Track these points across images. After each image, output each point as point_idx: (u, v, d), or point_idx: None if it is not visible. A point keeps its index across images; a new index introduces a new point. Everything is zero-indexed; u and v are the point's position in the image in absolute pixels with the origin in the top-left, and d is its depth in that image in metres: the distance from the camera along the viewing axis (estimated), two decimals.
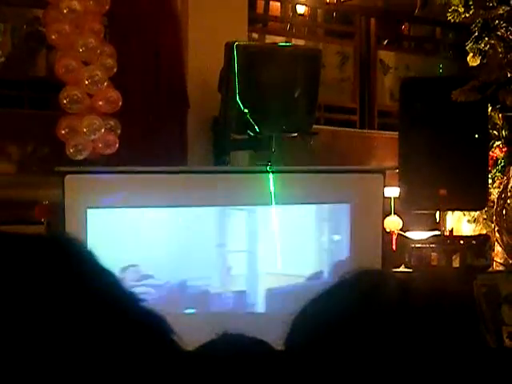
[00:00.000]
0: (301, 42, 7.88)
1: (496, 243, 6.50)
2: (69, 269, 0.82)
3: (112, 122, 5.65)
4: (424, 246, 6.15)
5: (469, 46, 6.55)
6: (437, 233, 6.51)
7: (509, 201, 6.42)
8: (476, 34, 6.50)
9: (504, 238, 6.45)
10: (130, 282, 5.11)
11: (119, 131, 5.68)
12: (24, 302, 0.77)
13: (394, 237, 6.66)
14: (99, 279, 0.83)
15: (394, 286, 1.10)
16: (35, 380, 0.74)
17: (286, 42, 7.32)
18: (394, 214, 6.74)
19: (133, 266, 5.20)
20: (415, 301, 1.06)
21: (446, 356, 1.02)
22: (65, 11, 5.49)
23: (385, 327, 1.02)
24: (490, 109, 6.38)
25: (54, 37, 5.54)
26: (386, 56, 8.43)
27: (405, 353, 1.01)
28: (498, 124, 6.62)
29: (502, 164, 6.66)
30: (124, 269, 5.14)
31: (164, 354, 0.83)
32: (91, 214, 5.13)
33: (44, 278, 0.79)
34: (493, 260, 6.30)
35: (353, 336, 1.03)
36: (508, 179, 6.49)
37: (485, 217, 6.78)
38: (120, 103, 5.62)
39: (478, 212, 6.77)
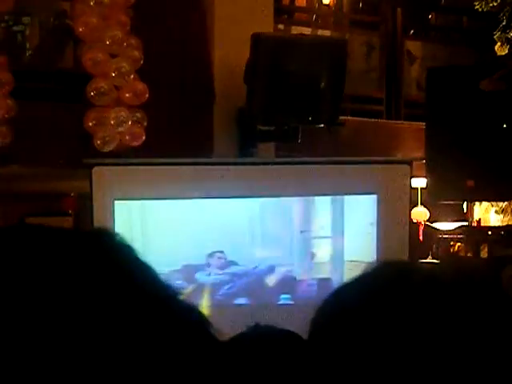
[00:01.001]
0: (327, 33, 7.86)
1: None
2: (109, 263, 0.83)
3: (139, 114, 5.67)
4: (451, 236, 6.13)
5: (497, 35, 6.51)
6: (464, 223, 6.48)
7: None
8: (504, 22, 6.45)
9: None
10: (215, 268, 5.25)
11: (146, 123, 5.70)
12: (66, 296, 0.78)
13: (421, 228, 6.64)
14: (139, 273, 0.84)
15: (420, 276, 1.10)
16: (75, 370, 0.76)
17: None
18: (421, 204, 6.71)
19: (219, 252, 5.29)
20: (441, 292, 1.07)
21: (475, 345, 1.02)
22: (92, 4, 5.52)
23: (410, 316, 1.03)
24: None
25: (81, 29, 5.57)
26: (413, 46, 8.38)
27: (430, 341, 1.01)
28: None
29: None
30: (210, 255, 5.24)
31: (200, 347, 0.83)
32: (125, 205, 5.21)
33: (85, 272, 0.80)
34: None
35: (375, 324, 1.03)
36: None
37: None
38: (147, 95, 5.64)
39: (506, 202, 6.72)
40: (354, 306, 1.05)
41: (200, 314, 0.86)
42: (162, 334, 0.80)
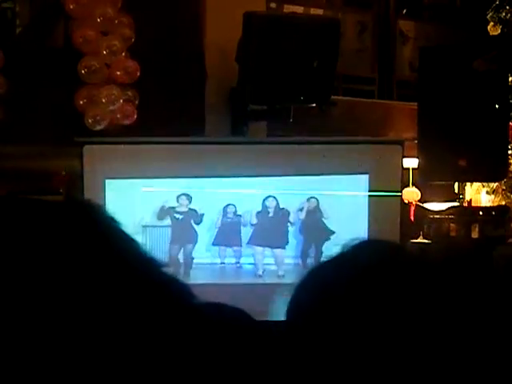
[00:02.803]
0: (319, 12, 7.82)
1: None
2: (92, 235, 0.82)
3: (130, 93, 5.65)
4: (442, 217, 6.14)
5: (489, 15, 6.49)
6: (455, 204, 6.49)
7: None
8: (497, 2, 6.43)
9: None
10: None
11: (137, 101, 5.68)
12: (50, 265, 0.78)
13: (413, 208, 6.64)
14: (122, 245, 0.84)
15: (398, 255, 1.10)
16: (53, 340, 0.76)
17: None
18: (413, 185, 6.72)
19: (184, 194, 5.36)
20: (421, 271, 1.06)
21: (459, 325, 1.02)
22: None
23: (385, 299, 1.02)
24: (510, 78, 6.32)
25: (71, 6, 5.53)
26: (406, 25, 8.36)
27: (415, 321, 1.00)
28: None
29: None
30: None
31: (180, 318, 0.83)
32: (116, 184, 5.21)
33: (69, 243, 0.80)
34: None
35: (349, 307, 1.02)
36: None
37: (504, 188, 6.74)
38: (138, 73, 5.62)
39: (497, 183, 6.73)
40: (335, 289, 1.04)
41: (181, 286, 0.86)
42: (141, 307, 0.79)
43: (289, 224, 5.58)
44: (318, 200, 5.58)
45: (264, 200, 5.51)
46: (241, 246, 5.53)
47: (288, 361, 1.04)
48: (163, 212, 5.38)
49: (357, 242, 1.12)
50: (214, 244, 5.49)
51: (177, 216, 5.42)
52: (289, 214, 5.56)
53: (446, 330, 1.01)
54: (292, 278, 5.47)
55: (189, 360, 0.82)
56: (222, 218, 5.47)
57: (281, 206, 5.54)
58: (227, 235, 5.51)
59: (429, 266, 1.06)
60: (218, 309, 1.22)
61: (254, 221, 5.51)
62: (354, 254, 1.09)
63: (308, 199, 5.56)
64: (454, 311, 1.02)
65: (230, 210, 5.47)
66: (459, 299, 1.03)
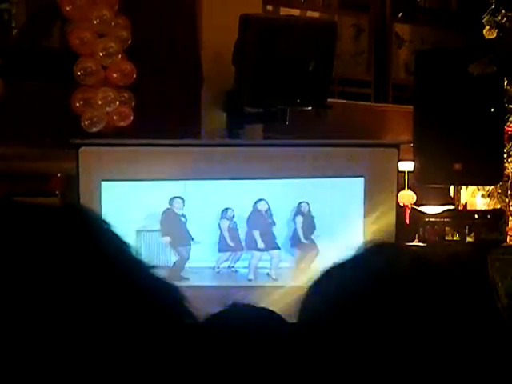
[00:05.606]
0: (315, 15, 7.83)
1: (510, 217, 6.48)
2: (83, 238, 0.82)
3: (126, 95, 5.65)
4: (438, 220, 6.15)
5: (485, 18, 6.49)
6: (451, 207, 6.50)
7: None
8: (493, 6, 6.44)
9: None
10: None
11: (133, 104, 5.68)
12: (40, 269, 0.78)
13: (408, 211, 6.65)
14: (112, 249, 0.84)
15: (408, 259, 1.10)
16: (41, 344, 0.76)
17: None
18: (408, 188, 6.73)
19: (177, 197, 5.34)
20: (429, 274, 1.06)
21: (460, 329, 1.02)
22: None
23: (398, 302, 1.02)
24: (506, 82, 6.33)
25: (68, 8, 5.53)
26: (401, 29, 8.37)
27: (418, 326, 1.01)
28: None
29: None
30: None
31: (168, 324, 0.83)
32: (112, 186, 5.20)
33: (59, 246, 0.80)
34: (507, 234, 6.28)
35: (364, 310, 1.03)
36: None
37: (499, 191, 6.75)
38: (134, 75, 5.62)
39: (492, 186, 6.74)
40: (348, 293, 1.04)
41: (172, 288, 0.86)
42: (131, 313, 0.79)
43: (281, 227, 5.57)
44: (311, 203, 5.58)
45: (255, 203, 5.49)
46: (242, 250, 5.51)
47: (301, 364, 1.04)
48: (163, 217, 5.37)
49: (369, 244, 1.12)
50: (219, 250, 5.46)
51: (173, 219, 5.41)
52: (281, 216, 5.56)
53: (463, 333, 1.01)
54: (285, 281, 5.47)
55: (161, 368, 0.82)
56: (223, 223, 5.43)
57: (273, 209, 5.53)
58: (230, 240, 5.48)
59: (440, 271, 1.06)
60: (231, 313, 1.22)
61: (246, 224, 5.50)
62: (367, 257, 1.09)
63: (301, 202, 5.56)
64: (472, 317, 1.03)
65: (230, 213, 5.45)
66: (475, 305, 1.04)
